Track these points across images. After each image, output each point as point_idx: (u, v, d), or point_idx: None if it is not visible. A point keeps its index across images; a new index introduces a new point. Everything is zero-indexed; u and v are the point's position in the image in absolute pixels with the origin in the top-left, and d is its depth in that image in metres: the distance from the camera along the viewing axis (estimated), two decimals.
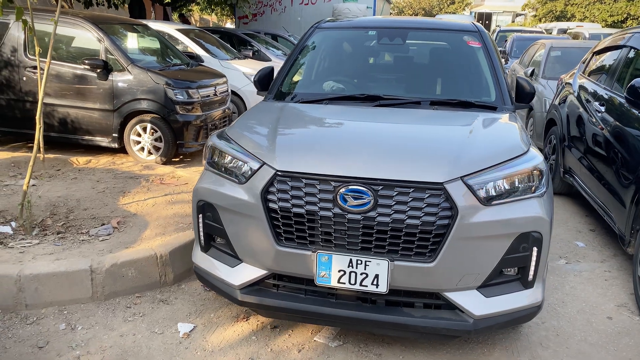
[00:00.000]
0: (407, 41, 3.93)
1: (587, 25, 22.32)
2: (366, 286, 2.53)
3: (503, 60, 12.50)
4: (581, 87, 5.31)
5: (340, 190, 2.47)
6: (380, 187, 2.46)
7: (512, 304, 2.59)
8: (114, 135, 6.40)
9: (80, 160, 5.57)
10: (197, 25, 25.93)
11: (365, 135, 2.94)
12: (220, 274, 2.80)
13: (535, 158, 2.69)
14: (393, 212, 2.45)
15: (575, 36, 16.25)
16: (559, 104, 5.80)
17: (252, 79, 3.96)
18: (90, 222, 3.98)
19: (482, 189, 2.50)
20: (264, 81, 3.86)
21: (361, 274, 2.52)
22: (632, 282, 3.72)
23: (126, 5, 14.89)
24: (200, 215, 2.86)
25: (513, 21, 44.10)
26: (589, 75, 5.38)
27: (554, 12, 33.55)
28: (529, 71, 8.16)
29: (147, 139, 6.38)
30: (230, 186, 2.72)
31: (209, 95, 6.78)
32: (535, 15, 36.91)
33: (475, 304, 2.54)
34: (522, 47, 11.97)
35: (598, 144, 4.45)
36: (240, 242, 2.72)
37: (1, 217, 3.97)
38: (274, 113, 3.26)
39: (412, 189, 2.45)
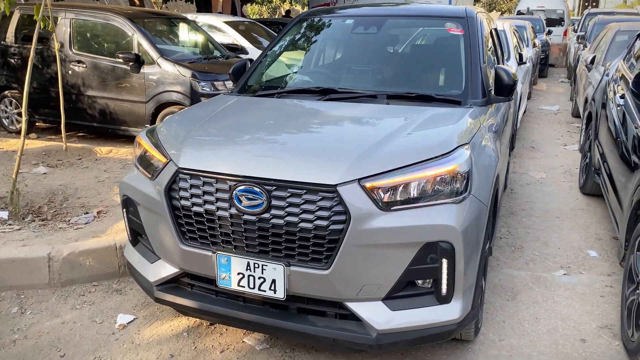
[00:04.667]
0: (383, 30, 3.67)
1: None
2: (264, 291, 2.41)
3: (581, 46, 11.50)
4: (614, 77, 4.72)
5: (236, 190, 2.37)
6: (274, 187, 2.33)
7: (421, 320, 2.34)
8: (146, 125, 6.66)
9: (103, 149, 5.86)
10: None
11: (276, 133, 2.79)
12: (141, 269, 2.81)
13: (458, 158, 2.39)
14: (286, 214, 2.31)
15: None
16: (596, 95, 5.20)
17: None
18: (78, 210, 4.17)
19: (384, 192, 2.28)
20: (238, 74, 3.80)
21: (259, 277, 2.41)
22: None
23: None
24: (124, 210, 2.87)
25: (625, 2, 39.96)
26: (627, 63, 4.76)
27: None
28: (590, 58, 7.41)
29: None
30: (144, 182, 2.70)
31: None
32: None
33: (378, 316, 2.33)
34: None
35: (611, 140, 3.92)
36: (154, 239, 2.70)
37: (2, 202, 4.27)
38: (215, 106, 3.17)
39: (304, 191, 2.29)
